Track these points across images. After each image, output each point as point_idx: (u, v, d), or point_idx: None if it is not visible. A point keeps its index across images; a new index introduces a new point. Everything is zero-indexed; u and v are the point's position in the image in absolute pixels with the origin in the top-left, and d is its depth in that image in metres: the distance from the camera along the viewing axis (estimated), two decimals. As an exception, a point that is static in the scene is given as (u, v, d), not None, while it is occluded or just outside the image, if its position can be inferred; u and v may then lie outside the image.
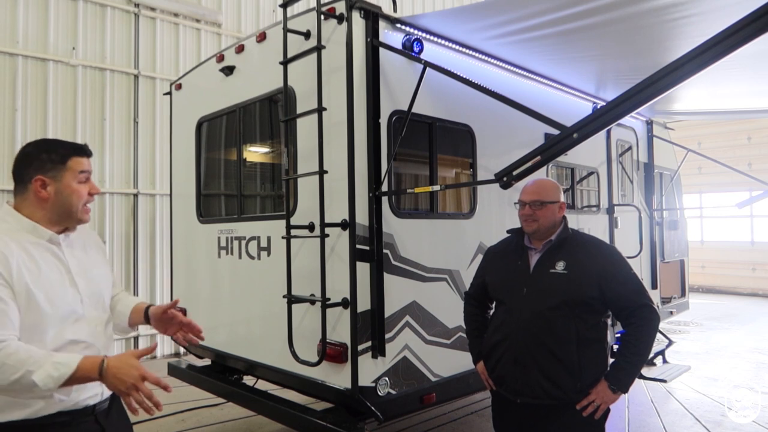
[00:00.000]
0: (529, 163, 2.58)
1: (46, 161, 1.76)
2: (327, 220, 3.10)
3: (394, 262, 3.24)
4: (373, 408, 3.03)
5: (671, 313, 6.72)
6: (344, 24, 3.11)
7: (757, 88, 4.71)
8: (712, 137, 14.39)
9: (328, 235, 3.12)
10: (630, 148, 5.87)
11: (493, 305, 2.80)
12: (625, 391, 2.39)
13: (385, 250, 3.18)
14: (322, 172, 3.08)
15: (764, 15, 1.74)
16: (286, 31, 3.26)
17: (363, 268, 3.10)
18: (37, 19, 6.95)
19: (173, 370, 4.53)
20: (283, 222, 3.35)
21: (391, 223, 3.24)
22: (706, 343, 8.41)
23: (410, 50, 3.34)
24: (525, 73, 4.34)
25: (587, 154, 5.08)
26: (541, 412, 2.46)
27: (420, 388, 3.33)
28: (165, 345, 7.85)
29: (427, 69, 3.21)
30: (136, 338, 7.50)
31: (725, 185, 13.26)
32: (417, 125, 3.48)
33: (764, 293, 13.81)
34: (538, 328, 2.43)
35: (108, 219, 7.43)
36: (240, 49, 4.00)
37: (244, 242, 3.92)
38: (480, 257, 3.84)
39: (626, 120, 5.63)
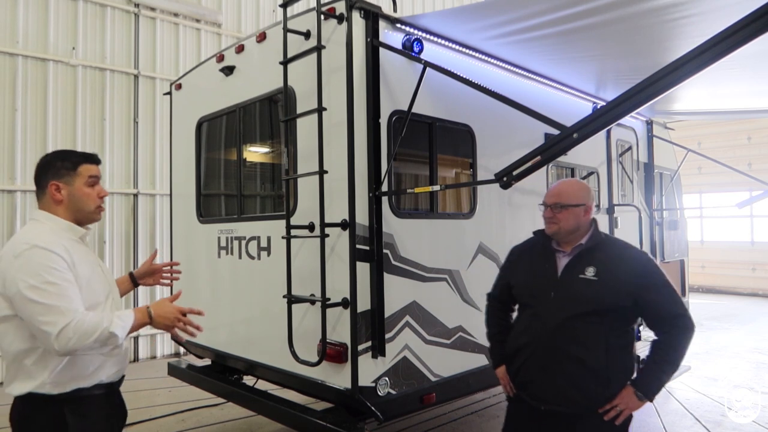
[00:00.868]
0: (529, 163, 2.58)
1: (60, 168, 2.06)
2: (327, 220, 3.10)
3: (394, 262, 3.24)
4: (373, 408, 3.03)
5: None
6: (344, 24, 3.11)
7: (757, 88, 4.71)
8: (712, 137, 14.38)
9: (328, 235, 3.12)
10: (630, 148, 5.87)
11: (516, 307, 2.72)
12: (651, 398, 2.33)
13: (385, 250, 3.18)
14: (322, 172, 3.08)
15: (764, 15, 1.74)
16: (286, 31, 3.26)
17: (363, 268, 3.10)
18: (37, 19, 6.95)
19: (173, 370, 4.53)
20: (283, 222, 3.35)
21: (391, 223, 3.24)
22: (706, 343, 8.41)
23: (410, 50, 3.34)
24: (525, 73, 4.34)
25: (587, 154, 5.08)
26: (564, 419, 2.39)
27: (420, 388, 3.33)
28: (165, 345, 7.85)
29: (427, 69, 3.21)
30: (136, 338, 7.51)
31: (725, 185, 13.26)
32: (417, 125, 3.48)
33: (764, 293, 13.80)
34: (566, 335, 2.36)
35: (108, 219, 7.43)
36: (240, 49, 4.00)
37: (244, 242, 3.92)
38: (480, 257, 3.86)
39: (626, 120, 5.63)
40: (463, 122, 3.79)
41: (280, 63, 3.32)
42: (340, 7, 3.13)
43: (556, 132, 2.52)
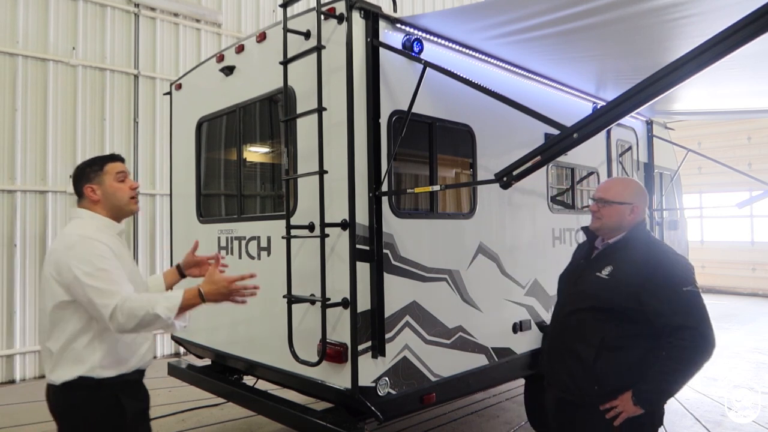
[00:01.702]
0: (529, 163, 2.58)
1: (89, 172, 2.29)
2: (327, 220, 3.10)
3: (394, 262, 3.24)
4: (373, 408, 3.03)
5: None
6: (344, 24, 3.11)
7: (757, 88, 4.70)
8: (712, 137, 14.38)
9: (328, 235, 3.12)
10: (630, 148, 5.87)
11: None
12: (645, 407, 2.28)
13: (385, 250, 3.18)
14: (322, 172, 3.08)
15: (764, 15, 1.74)
16: (286, 31, 3.26)
17: (363, 268, 3.10)
18: (37, 19, 6.95)
19: (173, 370, 4.53)
20: (283, 222, 3.35)
21: (391, 223, 3.24)
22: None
23: (410, 50, 3.34)
24: (525, 73, 4.34)
25: (587, 154, 5.08)
26: (570, 407, 2.50)
27: (420, 388, 3.33)
28: (165, 345, 7.85)
29: (427, 69, 3.21)
30: (136, 338, 7.51)
31: (725, 185, 13.25)
32: (417, 125, 3.48)
33: (764, 293, 13.81)
34: (570, 327, 2.50)
35: (108, 219, 7.42)
36: (240, 49, 4.00)
37: (244, 242, 3.92)
38: (480, 257, 3.86)
39: (626, 120, 5.63)
40: (463, 122, 3.79)
41: (280, 63, 3.32)
42: (340, 7, 3.13)
43: (556, 132, 2.52)
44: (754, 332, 9.40)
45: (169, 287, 2.71)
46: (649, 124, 6.47)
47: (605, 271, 2.43)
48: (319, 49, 3.09)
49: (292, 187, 3.44)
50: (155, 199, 7.85)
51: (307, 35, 3.28)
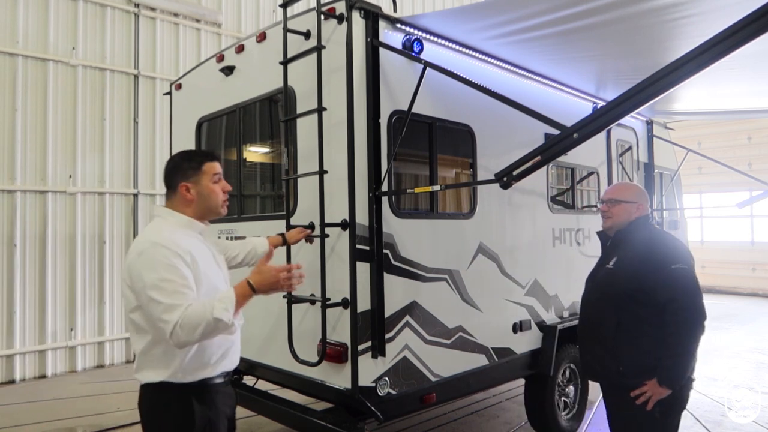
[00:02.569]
0: (529, 163, 2.58)
1: (187, 169, 2.19)
2: (327, 220, 3.10)
3: (394, 262, 3.24)
4: (373, 408, 3.03)
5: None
6: (344, 24, 3.11)
7: (757, 88, 4.70)
8: (712, 137, 14.38)
9: (328, 235, 3.12)
10: (630, 148, 5.87)
11: None
12: (670, 387, 2.49)
13: (385, 250, 3.18)
14: (322, 172, 3.08)
15: (764, 15, 1.74)
16: (286, 31, 3.26)
17: (363, 268, 3.10)
18: (37, 19, 6.95)
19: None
20: (283, 222, 3.35)
21: (391, 223, 3.24)
22: (706, 343, 8.36)
23: (410, 50, 3.34)
24: (525, 73, 4.34)
25: (587, 154, 5.08)
26: (603, 387, 2.83)
27: (420, 388, 3.33)
28: (165, 345, 7.85)
29: (427, 69, 3.21)
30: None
31: (725, 185, 13.25)
32: (417, 125, 3.47)
33: (764, 293, 13.80)
34: (590, 315, 2.83)
35: (108, 219, 7.43)
36: (240, 49, 4.00)
37: (244, 242, 3.92)
38: (480, 257, 3.86)
39: (626, 120, 5.63)
40: (463, 122, 3.79)
41: (280, 63, 3.32)
42: (340, 7, 3.13)
43: (556, 132, 2.52)
44: (754, 332, 9.40)
45: (275, 247, 2.82)
46: (649, 124, 6.47)
47: (611, 262, 2.74)
48: (319, 49, 3.09)
49: (292, 187, 3.44)
50: (155, 199, 7.84)
51: (307, 35, 3.28)
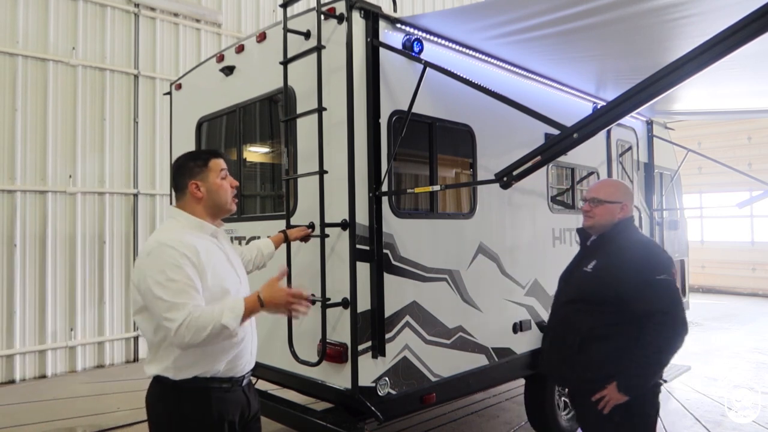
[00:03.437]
0: (529, 163, 2.58)
1: (194, 167, 2.22)
2: (327, 220, 3.10)
3: (394, 262, 3.24)
4: (373, 408, 3.03)
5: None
6: (344, 24, 3.11)
7: (757, 88, 4.70)
8: (712, 137, 14.38)
9: (328, 235, 3.12)
10: (630, 148, 5.87)
11: None
12: (628, 394, 2.39)
13: (385, 250, 3.18)
14: (322, 172, 3.08)
15: (764, 15, 1.74)
16: (286, 31, 3.26)
17: (363, 268, 3.10)
18: (37, 19, 6.96)
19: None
20: (283, 222, 3.35)
21: (391, 223, 3.24)
22: (706, 343, 8.41)
23: (410, 50, 3.34)
24: (525, 73, 4.34)
25: (587, 154, 5.08)
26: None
27: (420, 388, 3.33)
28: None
29: (427, 69, 3.21)
30: (135, 338, 7.51)
31: (725, 185, 13.25)
32: (417, 125, 3.48)
33: (764, 293, 13.80)
34: (563, 319, 2.70)
35: (108, 219, 7.44)
36: (240, 49, 4.00)
37: (244, 242, 3.92)
38: (480, 257, 3.86)
39: (626, 120, 5.63)
40: (463, 122, 3.79)
41: (280, 63, 3.32)
42: (340, 7, 3.13)
43: (556, 132, 2.52)
44: (754, 332, 9.40)
45: (277, 246, 2.93)
46: (649, 124, 6.47)
47: (590, 266, 2.62)
48: (319, 49, 3.09)
49: (292, 187, 3.44)
50: (155, 199, 7.85)
51: (307, 35, 3.28)
